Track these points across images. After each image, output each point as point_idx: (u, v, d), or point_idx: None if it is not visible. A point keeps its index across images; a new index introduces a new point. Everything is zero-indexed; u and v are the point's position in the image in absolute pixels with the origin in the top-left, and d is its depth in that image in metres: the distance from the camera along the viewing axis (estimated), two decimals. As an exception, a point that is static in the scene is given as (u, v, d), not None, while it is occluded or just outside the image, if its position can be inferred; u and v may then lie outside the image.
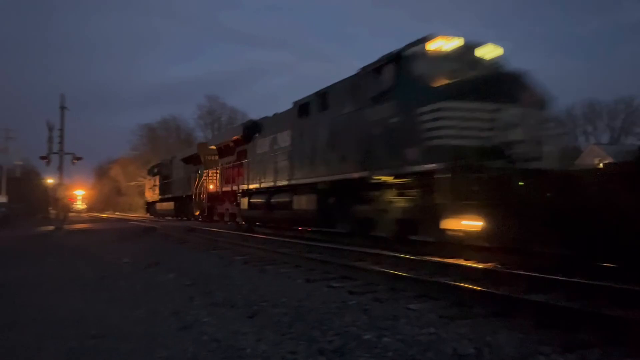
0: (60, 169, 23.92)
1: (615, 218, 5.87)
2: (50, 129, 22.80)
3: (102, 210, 72.71)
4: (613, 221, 5.90)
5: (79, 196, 79.43)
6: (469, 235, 7.66)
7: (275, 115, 16.04)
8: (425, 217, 8.40)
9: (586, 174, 7.40)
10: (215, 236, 15.59)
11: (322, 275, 7.35)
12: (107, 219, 39.25)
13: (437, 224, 7.94)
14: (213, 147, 20.45)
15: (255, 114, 41.22)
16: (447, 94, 8.09)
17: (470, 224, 7.38)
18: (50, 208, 36.35)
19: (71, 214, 44.75)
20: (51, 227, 22.46)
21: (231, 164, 17.89)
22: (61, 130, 23.21)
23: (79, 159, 24.35)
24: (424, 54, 9.13)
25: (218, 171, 19.37)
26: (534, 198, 7.00)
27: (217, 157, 19.93)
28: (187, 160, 24.78)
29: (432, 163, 8.03)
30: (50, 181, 45.56)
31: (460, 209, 7.46)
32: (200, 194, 21.11)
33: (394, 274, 6.61)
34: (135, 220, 31.82)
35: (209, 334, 4.32)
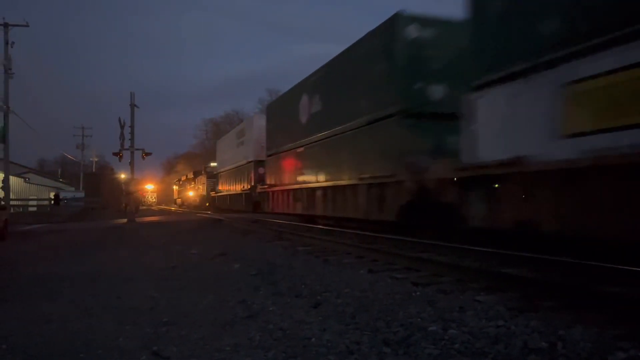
0: (131, 164, 25.13)
1: None
2: (122, 126, 24.02)
3: (170, 204, 75.74)
4: None
5: (149, 190, 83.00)
6: None
7: None
8: None
9: None
10: (278, 227, 15.86)
11: (385, 266, 7.32)
12: (175, 212, 40.78)
13: None
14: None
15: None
16: None
17: None
18: (122, 201, 38.20)
19: (142, 207, 46.84)
20: (124, 220, 23.64)
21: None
22: (132, 127, 24.37)
23: (148, 154, 25.50)
24: None
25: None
26: None
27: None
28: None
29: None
30: (122, 176, 47.97)
31: None
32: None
33: (460, 265, 6.47)
34: (202, 213, 32.89)
35: (274, 322, 4.39)
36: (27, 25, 23.13)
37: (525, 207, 6.73)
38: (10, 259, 9.80)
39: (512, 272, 5.90)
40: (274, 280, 6.42)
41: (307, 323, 4.32)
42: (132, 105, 24.23)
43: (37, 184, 46.17)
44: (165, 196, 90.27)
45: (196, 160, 67.57)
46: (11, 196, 24.01)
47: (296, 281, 6.25)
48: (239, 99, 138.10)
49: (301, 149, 16.98)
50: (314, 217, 16.67)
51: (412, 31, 10.65)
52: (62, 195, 41.96)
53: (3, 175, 23.40)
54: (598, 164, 5.37)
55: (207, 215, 27.21)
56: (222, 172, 34.66)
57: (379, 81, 11.58)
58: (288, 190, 18.18)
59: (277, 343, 3.85)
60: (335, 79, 14.34)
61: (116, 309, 5.15)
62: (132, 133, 24.36)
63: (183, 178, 60.70)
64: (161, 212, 42.41)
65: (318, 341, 3.84)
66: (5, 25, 22.54)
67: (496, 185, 7.27)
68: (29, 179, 45.42)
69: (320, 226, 14.79)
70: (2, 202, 21.74)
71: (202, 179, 44.23)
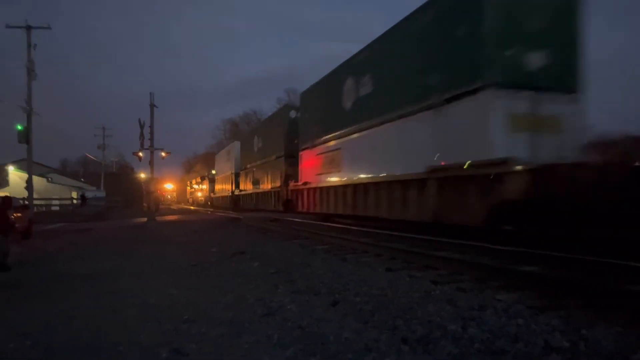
0: (151, 164, 25.37)
1: None
2: (142, 126, 24.21)
3: (190, 203, 76.53)
4: None
5: (169, 189, 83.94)
6: None
7: None
8: None
9: None
10: (296, 226, 15.88)
11: (403, 265, 7.27)
12: (195, 211, 41.12)
13: None
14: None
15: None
16: None
17: None
18: (143, 201, 38.67)
19: (161, 207, 47.33)
20: (144, 219, 23.89)
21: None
22: (151, 127, 24.59)
23: (167, 154, 25.76)
24: None
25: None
26: None
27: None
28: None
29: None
30: (142, 175, 48.59)
31: None
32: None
33: (479, 264, 6.41)
34: (221, 212, 33.13)
35: (292, 320, 4.40)
36: (49, 28, 23.47)
37: None
38: (34, 258, 9.98)
39: (531, 270, 5.82)
40: (293, 278, 6.44)
41: (326, 321, 4.33)
42: (152, 106, 24.47)
43: (60, 184, 46.95)
44: (184, 195, 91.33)
45: (213, 161, 68.10)
46: (34, 196, 24.41)
47: (314, 279, 6.26)
48: (258, 98, 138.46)
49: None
50: (332, 216, 16.50)
51: None
52: (81, 194, 42.62)
53: (27, 175, 23.83)
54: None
55: (225, 214, 27.40)
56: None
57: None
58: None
59: (296, 341, 3.85)
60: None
61: (137, 306, 5.21)
62: (151, 133, 24.58)
63: (194, 181, 70.97)
64: (180, 211, 42.77)
65: (336, 339, 3.84)
66: (28, 27, 22.90)
67: None
68: (51, 178, 46.23)
69: (339, 225, 14.77)
70: (26, 202, 22.17)
71: (206, 182, 54.35)
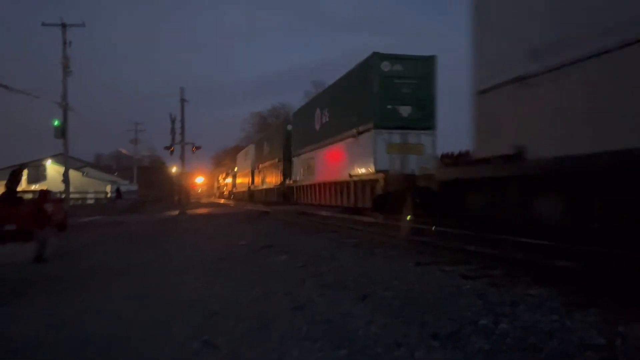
0: (182, 158, 25.77)
1: None
2: (173, 120, 24.58)
3: (217, 196, 77.56)
4: None
5: (199, 183, 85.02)
6: None
7: None
8: None
9: None
10: (323, 219, 15.90)
11: (433, 259, 7.19)
12: (224, 205, 41.60)
13: None
14: None
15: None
16: None
17: None
18: (174, 194, 39.25)
19: (192, 200, 47.94)
20: (175, 212, 24.26)
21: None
22: (182, 121, 24.98)
23: (198, 148, 26.05)
24: None
25: None
26: None
27: None
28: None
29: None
30: (174, 169, 49.31)
31: None
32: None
33: (510, 258, 6.28)
34: (250, 206, 33.41)
35: (321, 314, 4.39)
36: (83, 26, 23.98)
37: None
38: (69, 250, 10.25)
39: (565, 265, 5.67)
40: (320, 272, 6.43)
41: (354, 316, 4.30)
42: (182, 100, 24.82)
43: (94, 178, 48.08)
44: (214, 188, 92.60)
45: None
46: (70, 189, 25.04)
47: (342, 273, 6.24)
48: (287, 91, 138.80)
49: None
50: (360, 210, 16.65)
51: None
52: (115, 188, 43.43)
53: (63, 169, 24.46)
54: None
55: (253, 208, 27.67)
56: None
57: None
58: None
59: (324, 335, 3.84)
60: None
61: (167, 299, 5.29)
62: (182, 127, 24.95)
63: (221, 176, 78.09)
64: (210, 204, 43.32)
65: (365, 333, 3.82)
66: (63, 25, 23.44)
67: None
68: (86, 172, 47.34)
69: (367, 218, 14.71)
70: (63, 195, 22.78)
71: (230, 177, 61.99)
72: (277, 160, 29.49)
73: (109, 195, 41.26)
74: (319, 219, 16.49)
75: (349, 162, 16.81)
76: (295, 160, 25.26)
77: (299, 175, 24.52)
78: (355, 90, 16.61)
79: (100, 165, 69.10)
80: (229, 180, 64.23)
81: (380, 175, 14.06)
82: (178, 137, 25.03)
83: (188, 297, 5.31)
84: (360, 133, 15.89)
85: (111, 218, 22.38)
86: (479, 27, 8.23)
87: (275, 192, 29.83)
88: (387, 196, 13.79)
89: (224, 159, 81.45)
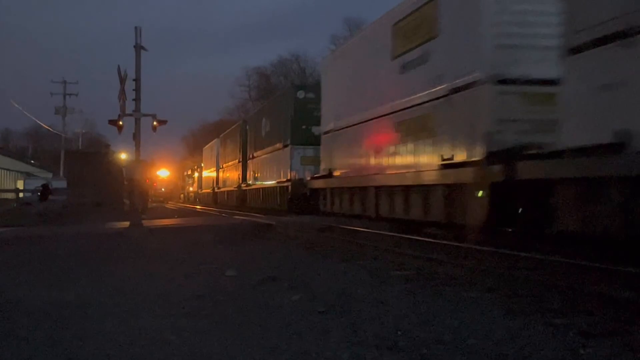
0: (136, 139, 24.89)
1: None
2: (123, 79, 23.78)
3: (196, 199, 77.87)
4: None
5: (164, 177, 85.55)
6: None
7: None
8: None
9: None
10: (360, 238, 15.90)
11: (533, 305, 7.16)
12: (202, 212, 41.87)
13: None
14: None
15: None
16: None
17: None
18: (123, 195, 39.50)
19: (152, 204, 48.29)
20: (125, 223, 24.31)
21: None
22: (137, 80, 24.11)
23: (162, 122, 25.03)
24: None
25: None
26: None
27: None
28: None
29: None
30: (123, 156, 49.63)
31: None
32: None
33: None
34: (239, 215, 33.65)
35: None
36: None
37: None
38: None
39: None
40: (353, 321, 6.44)
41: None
42: (138, 47, 23.92)
43: (-3, 168, 48.38)
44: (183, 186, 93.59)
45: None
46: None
47: (388, 324, 6.24)
48: (300, 36, 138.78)
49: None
50: (416, 226, 16.78)
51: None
52: (36, 185, 43.85)
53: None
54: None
55: (247, 219, 27.86)
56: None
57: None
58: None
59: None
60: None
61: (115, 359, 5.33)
62: (137, 90, 24.07)
63: (188, 172, 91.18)
64: (179, 210, 43.70)
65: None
66: None
67: None
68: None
69: (426, 239, 14.69)
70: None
71: (194, 176, 79.38)
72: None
73: (21, 195, 41.63)
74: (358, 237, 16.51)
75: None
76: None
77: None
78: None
79: (8, 147, 69.71)
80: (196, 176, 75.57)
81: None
82: (131, 107, 24.35)
83: (147, 356, 5.34)
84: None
85: (24, 231, 22.61)
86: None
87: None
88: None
89: (206, 139, 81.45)
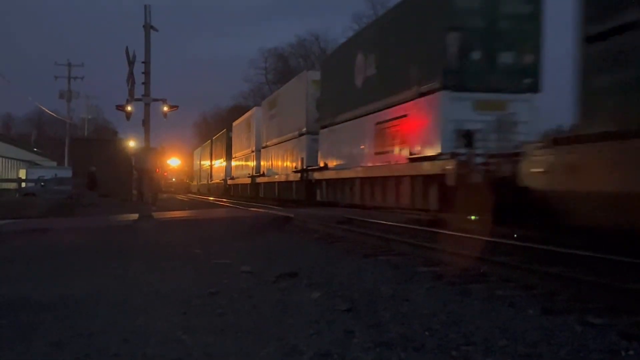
0: (145, 125, 24.87)
1: None
2: (131, 62, 23.73)
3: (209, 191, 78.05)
4: None
5: (175, 167, 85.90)
6: None
7: None
8: None
9: None
10: (384, 232, 15.84)
11: (570, 304, 7.13)
12: (215, 203, 41.95)
13: None
14: None
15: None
16: None
17: None
18: (131, 186, 39.55)
19: (163, 195, 48.40)
20: (134, 216, 24.32)
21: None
22: (146, 63, 24.12)
23: (173, 108, 25.14)
24: None
25: None
26: None
27: None
28: None
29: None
30: (131, 144, 49.68)
31: None
32: None
33: None
34: (256, 208, 33.59)
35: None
36: None
37: None
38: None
39: None
40: (378, 320, 6.42)
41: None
42: (148, 27, 23.85)
43: (-1, 156, 48.55)
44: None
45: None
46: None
47: (415, 324, 6.21)
48: (320, 15, 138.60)
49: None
50: (442, 220, 16.78)
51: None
52: (39, 175, 43.91)
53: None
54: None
55: (265, 211, 27.84)
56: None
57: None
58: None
59: None
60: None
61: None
62: (146, 73, 24.08)
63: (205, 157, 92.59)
64: (191, 202, 43.85)
65: None
66: None
67: None
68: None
69: (455, 232, 14.58)
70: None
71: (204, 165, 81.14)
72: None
73: (23, 185, 41.67)
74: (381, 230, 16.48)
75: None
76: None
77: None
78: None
79: (9, 135, 69.89)
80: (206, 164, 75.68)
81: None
82: (140, 91, 24.30)
83: (156, 357, 5.30)
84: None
85: (28, 223, 22.68)
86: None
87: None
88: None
89: (216, 128, 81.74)
